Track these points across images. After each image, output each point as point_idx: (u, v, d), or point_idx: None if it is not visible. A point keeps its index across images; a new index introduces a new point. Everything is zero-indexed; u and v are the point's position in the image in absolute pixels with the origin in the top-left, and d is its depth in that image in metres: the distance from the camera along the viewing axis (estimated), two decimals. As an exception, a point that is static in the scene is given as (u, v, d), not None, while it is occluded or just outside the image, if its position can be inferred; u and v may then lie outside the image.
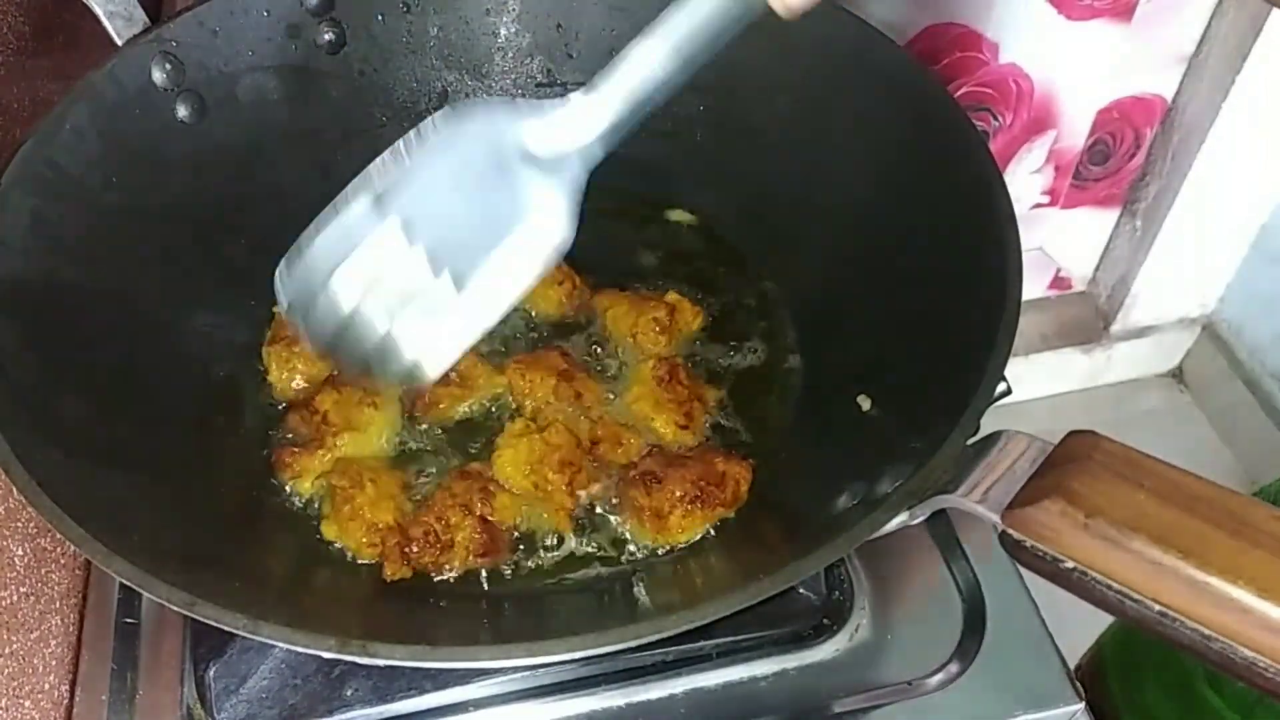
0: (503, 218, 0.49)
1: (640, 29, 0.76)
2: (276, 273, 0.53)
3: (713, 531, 0.63)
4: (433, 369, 0.51)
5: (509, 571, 0.61)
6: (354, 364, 0.52)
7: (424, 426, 0.67)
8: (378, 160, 0.50)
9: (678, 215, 0.79)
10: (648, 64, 0.47)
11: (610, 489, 0.64)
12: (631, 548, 0.62)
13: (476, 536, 0.61)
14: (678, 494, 0.61)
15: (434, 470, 0.65)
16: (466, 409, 0.68)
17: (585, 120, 0.49)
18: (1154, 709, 1.05)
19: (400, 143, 0.50)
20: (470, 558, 0.61)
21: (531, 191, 0.49)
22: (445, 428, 0.68)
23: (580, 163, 0.50)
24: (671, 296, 0.72)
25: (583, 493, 0.64)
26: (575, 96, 0.49)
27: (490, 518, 0.62)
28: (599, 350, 0.71)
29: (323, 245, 0.51)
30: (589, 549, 0.63)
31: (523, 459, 0.63)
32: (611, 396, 0.69)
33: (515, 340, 0.72)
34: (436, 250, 0.49)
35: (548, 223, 0.49)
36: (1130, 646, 1.10)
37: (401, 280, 0.49)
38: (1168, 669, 1.03)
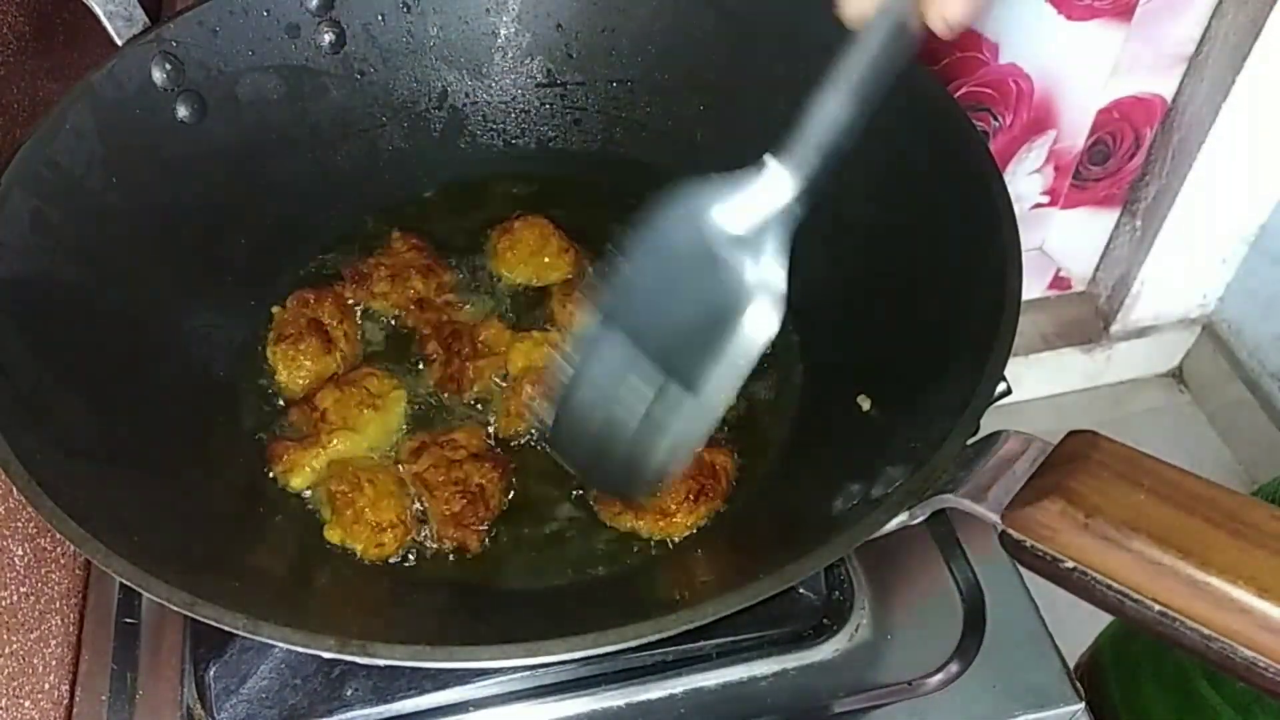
0: (722, 310, 0.49)
1: (639, 28, 0.77)
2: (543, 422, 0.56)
3: (713, 531, 0.63)
4: (679, 466, 0.53)
5: (511, 571, 0.62)
6: (612, 480, 0.54)
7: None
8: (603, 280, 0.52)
9: None
10: (832, 114, 0.48)
11: None
12: (633, 546, 0.62)
13: (491, 473, 0.63)
14: (681, 493, 0.62)
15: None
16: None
17: (779, 184, 0.49)
18: (1152, 708, 1.05)
19: (617, 256, 0.51)
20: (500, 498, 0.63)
21: (743, 277, 0.49)
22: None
23: (782, 227, 0.50)
24: None
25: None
26: (769, 161, 0.49)
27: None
28: None
29: (567, 372, 0.52)
30: (591, 543, 0.63)
31: (528, 354, 0.68)
32: None
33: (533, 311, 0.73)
34: (664, 356, 0.50)
35: (763, 307, 0.49)
36: (1128, 646, 1.10)
37: (637, 389, 0.50)
38: (1166, 668, 1.03)
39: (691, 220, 0.49)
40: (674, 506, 0.62)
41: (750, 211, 0.49)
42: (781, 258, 0.50)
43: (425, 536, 0.62)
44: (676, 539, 0.63)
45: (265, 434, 0.66)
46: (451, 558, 0.62)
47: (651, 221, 0.50)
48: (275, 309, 0.71)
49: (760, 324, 0.49)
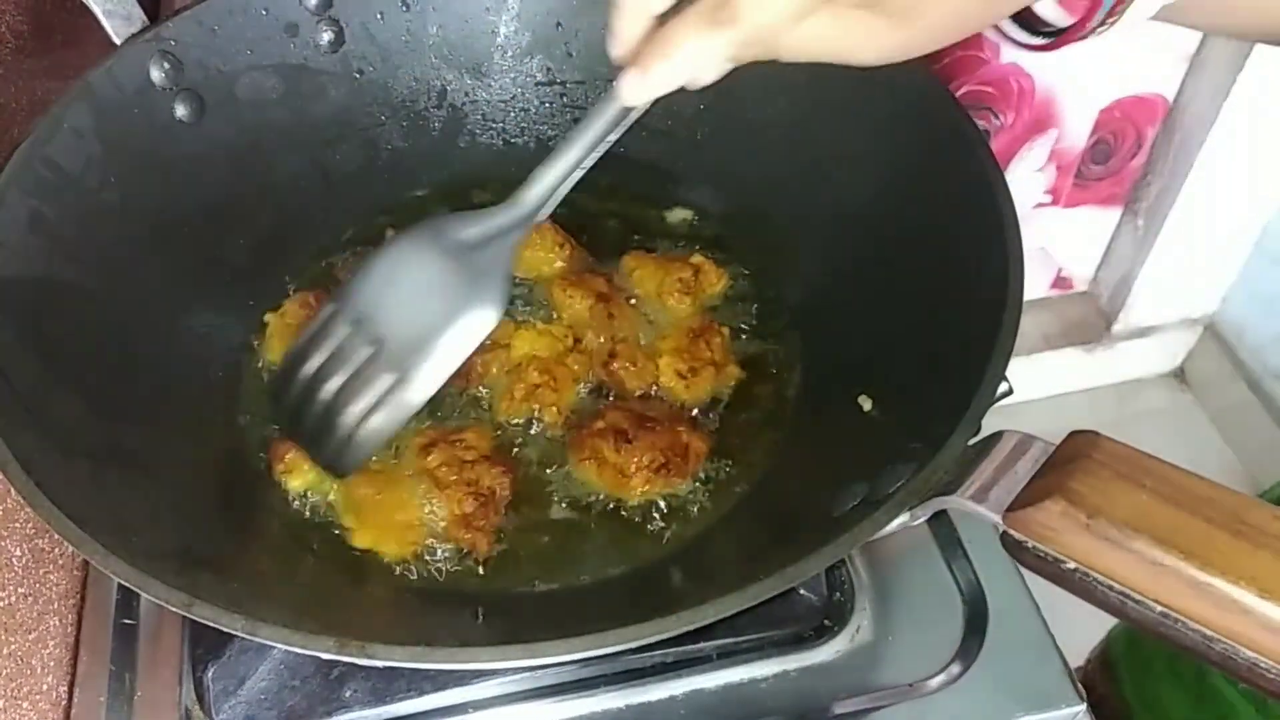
0: (443, 307, 0.56)
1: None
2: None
3: (713, 532, 0.63)
4: (369, 447, 0.57)
5: (512, 568, 0.61)
6: (304, 438, 0.59)
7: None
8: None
9: (677, 216, 0.79)
10: (560, 169, 0.55)
11: (565, 420, 0.67)
12: (632, 548, 0.62)
13: (501, 477, 0.63)
14: (645, 460, 0.63)
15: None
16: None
17: (513, 213, 0.56)
18: (1166, 700, 1.05)
19: (362, 265, 0.58)
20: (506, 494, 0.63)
21: (463, 281, 0.56)
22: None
23: (506, 243, 0.57)
24: (696, 258, 0.74)
25: (538, 407, 0.67)
26: (505, 206, 0.56)
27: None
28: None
29: (297, 348, 0.59)
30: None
31: (531, 343, 0.69)
32: (645, 332, 0.71)
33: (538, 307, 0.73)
34: (385, 344, 0.56)
35: (482, 310, 0.56)
36: (1141, 638, 1.09)
37: (352, 370, 0.57)
38: (1179, 659, 1.03)
39: (433, 235, 0.57)
40: (634, 469, 0.63)
41: (485, 230, 0.57)
42: (503, 271, 0.57)
43: (433, 537, 0.62)
44: (631, 503, 0.63)
45: (264, 436, 0.66)
46: (454, 559, 0.61)
47: (399, 237, 0.57)
48: (269, 316, 0.70)
49: (474, 326, 0.56)
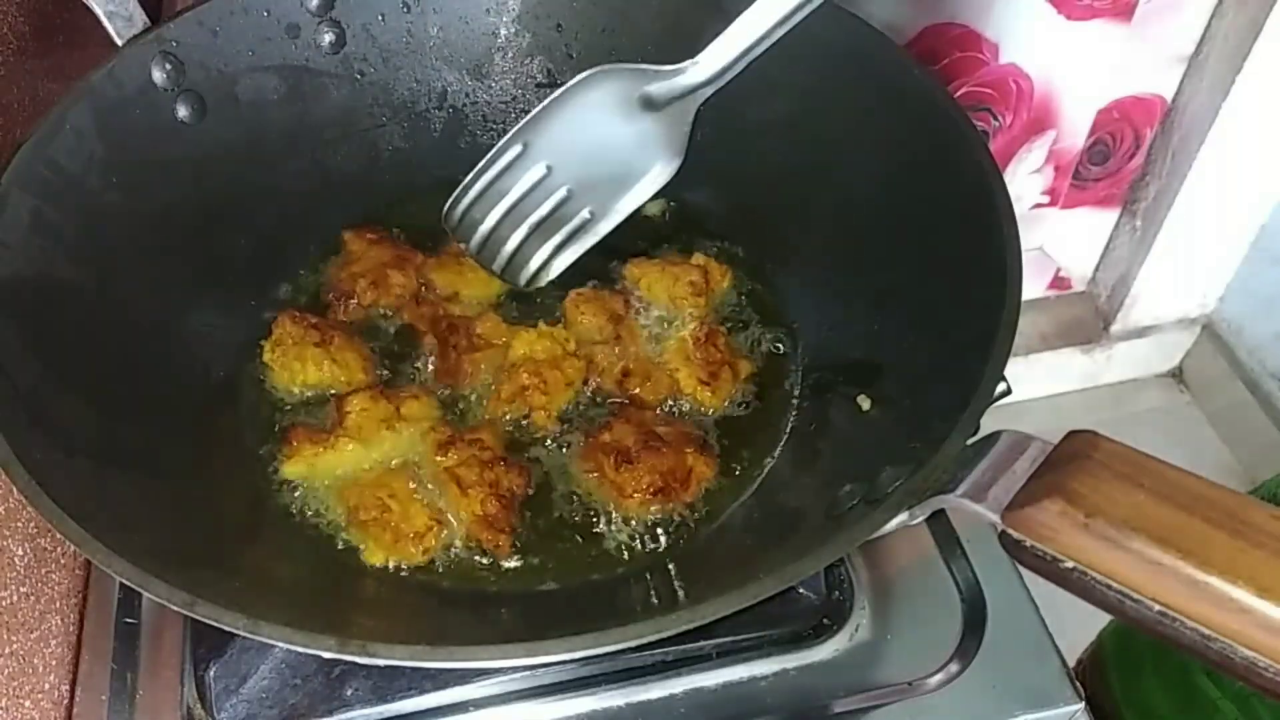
0: (627, 157, 0.66)
1: (639, 29, 0.78)
2: (445, 211, 0.71)
3: (713, 532, 0.63)
4: (556, 271, 0.70)
5: (512, 567, 0.62)
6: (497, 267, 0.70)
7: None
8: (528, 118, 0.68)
9: (653, 208, 0.79)
10: (747, 32, 0.61)
11: (564, 424, 0.67)
12: (633, 549, 0.62)
13: (518, 479, 0.63)
14: (644, 483, 0.63)
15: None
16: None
17: (697, 74, 0.64)
18: (1153, 702, 1.05)
19: (545, 103, 0.67)
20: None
21: (650, 135, 0.66)
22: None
23: (691, 103, 0.65)
24: (699, 258, 0.74)
25: (527, 408, 0.67)
26: (690, 64, 0.64)
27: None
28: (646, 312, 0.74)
29: (483, 182, 0.69)
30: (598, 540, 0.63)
31: (530, 344, 0.69)
32: (652, 349, 0.71)
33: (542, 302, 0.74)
34: (574, 186, 0.68)
35: (662, 162, 0.66)
36: (1130, 641, 1.10)
37: (544, 208, 0.68)
38: (1167, 663, 1.04)
39: (620, 85, 0.65)
40: (632, 491, 0.63)
41: (669, 89, 0.65)
42: (682, 129, 0.66)
43: (449, 536, 0.62)
44: (633, 518, 0.63)
45: (266, 435, 0.66)
46: (458, 559, 0.62)
47: (586, 79, 0.65)
48: (264, 345, 0.69)
49: (654, 176, 0.66)
